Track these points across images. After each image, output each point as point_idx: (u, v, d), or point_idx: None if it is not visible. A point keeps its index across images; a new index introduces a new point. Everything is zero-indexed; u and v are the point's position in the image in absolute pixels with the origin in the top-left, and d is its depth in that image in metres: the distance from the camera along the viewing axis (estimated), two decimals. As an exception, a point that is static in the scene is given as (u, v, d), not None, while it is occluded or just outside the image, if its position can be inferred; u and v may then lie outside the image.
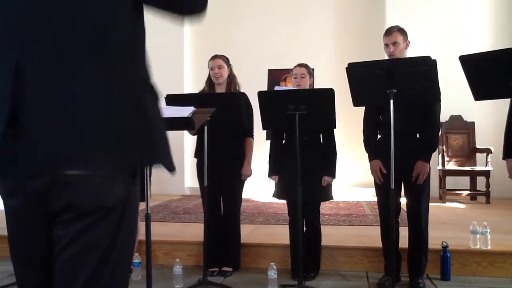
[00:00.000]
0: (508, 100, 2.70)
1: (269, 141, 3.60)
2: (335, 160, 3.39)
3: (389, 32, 3.15)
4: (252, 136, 3.57)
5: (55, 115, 1.02)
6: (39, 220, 1.11)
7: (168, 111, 2.51)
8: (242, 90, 3.59)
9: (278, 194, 3.48)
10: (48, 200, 1.08)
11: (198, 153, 3.51)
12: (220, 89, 3.56)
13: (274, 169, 3.47)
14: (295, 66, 3.49)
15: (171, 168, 1.21)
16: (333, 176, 3.36)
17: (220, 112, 3.04)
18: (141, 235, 2.91)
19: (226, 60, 3.57)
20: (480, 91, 2.46)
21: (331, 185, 3.40)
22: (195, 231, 3.93)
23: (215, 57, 3.57)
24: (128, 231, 1.16)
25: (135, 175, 1.16)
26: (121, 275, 1.17)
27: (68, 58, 1.04)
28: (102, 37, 1.07)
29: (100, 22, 1.07)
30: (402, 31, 3.16)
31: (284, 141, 3.50)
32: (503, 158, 2.81)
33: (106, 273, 1.11)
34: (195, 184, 3.64)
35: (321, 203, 3.52)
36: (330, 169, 3.35)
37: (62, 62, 1.03)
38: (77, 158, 1.04)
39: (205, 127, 3.18)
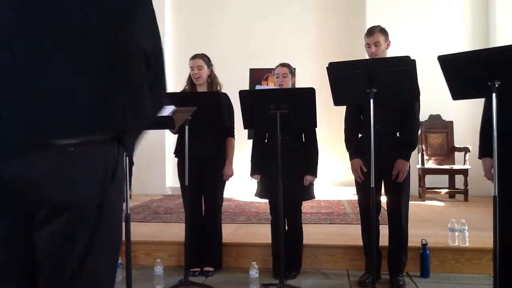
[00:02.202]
0: None
1: (251, 141, 3.59)
2: (317, 159, 3.40)
3: (371, 32, 3.17)
4: (233, 135, 3.57)
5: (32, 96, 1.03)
6: (18, 220, 1.09)
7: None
8: (223, 90, 3.57)
9: (260, 193, 3.48)
10: (25, 195, 1.06)
11: (179, 152, 3.48)
12: (201, 89, 3.54)
13: (256, 168, 3.47)
14: (277, 66, 3.49)
15: (130, 151, 1.23)
16: (315, 175, 3.38)
17: (201, 112, 3.03)
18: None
19: (206, 60, 3.55)
20: (458, 90, 2.50)
21: (313, 184, 3.42)
22: (176, 231, 3.91)
23: (195, 57, 3.55)
24: (108, 230, 1.15)
25: (114, 171, 1.14)
26: (105, 274, 1.17)
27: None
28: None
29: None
30: (383, 32, 3.19)
31: (266, 141, 3.50)
32: (479, 158, 2.87)
33: (88, 275, 1.10)
34: (177, 183, 3.62)
35: (303, 202, 3.53)
36: (312, 168, 3.37)
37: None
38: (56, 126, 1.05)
39: (186, 126, 3.16)
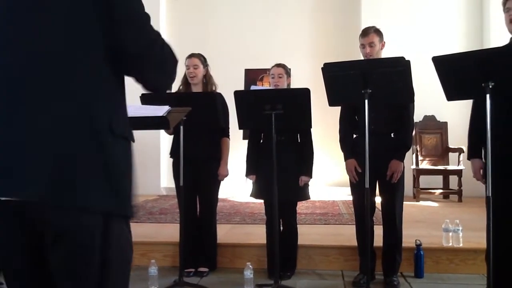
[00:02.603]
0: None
1: (246, 141, 3.59)
2: (312, 160, 3.40)
3: (366, 33, 3.18)
4: (228, 136, 3.56)
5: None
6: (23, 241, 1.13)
7: (143, 111, 2.48)
8: (218, 90, 3.57)
9: (255, 193, 3.48)
10: (30, 219, 1.09)
11: (174, 153, 3.48)
12: (196, 89, 3.54)
13: (252, 169, 3.47)
14: (273, 66, 3.49)
15: (129, 213, 1.25)
16: (310, 176, 3.38)
17: (196, 112, 3.02)
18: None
19: (202, 60, 3.55)
20: (453, 91, 2.50)
21: (308, 185, 3.42)
22: (171, 232, 3.90)
23: (191, 56, 3.54)
24: (119, 250, 1.18)
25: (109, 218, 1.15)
26: None
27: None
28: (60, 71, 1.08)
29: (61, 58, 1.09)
30: (378, 32, 3.19)
31: (261, 141, 3.50)
32: (468, 159, 2.88)
33: None
34: (171, 184, 3.61)
35: (298, 202, 3.53)
36: (307, 168, 3.37)
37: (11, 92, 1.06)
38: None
39: (181, 127, 3.16)
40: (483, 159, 2.75)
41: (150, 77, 1.26)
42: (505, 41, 2.68)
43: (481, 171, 2.74)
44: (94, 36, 1.11)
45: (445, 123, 6.53)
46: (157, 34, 1.25)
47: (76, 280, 1.11)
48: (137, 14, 1.19)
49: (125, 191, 1.17)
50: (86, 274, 1.11)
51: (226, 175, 3.52)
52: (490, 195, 2.32)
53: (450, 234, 3.56)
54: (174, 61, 1.30)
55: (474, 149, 2.80)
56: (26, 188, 1.03)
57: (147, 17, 1.21)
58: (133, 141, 1.24)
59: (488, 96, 2.29)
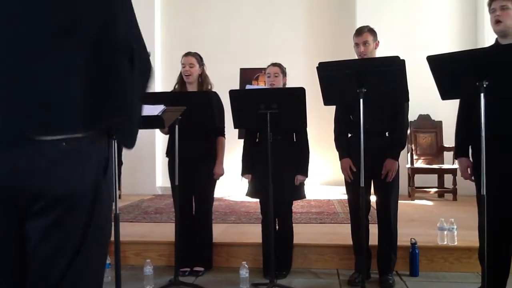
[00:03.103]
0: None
1: (241, 140, 3.59)
2: (308, 159, 3.41)
3: (360, 32, 3.19)
4: (223, 135, 3.56)
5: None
6: (10, 215, 1.09)
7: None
8: (214, 89, 3.57)
9: (251, 193, 3.48)
10: (17, 189, 1.07)
11: (170, 152, 3.47)
12: (192, 88, 3.53)
13: (247, 168, 3.47)
14: (269, 66, 3.49)
15: (129, 144, 1.23)
16: (306, 175, 3.38)
17: (191, 111, 3.02)
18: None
19: (199, 58, 3.54)
20: (447, 90, 2.51)
21: (303, 184, 3.43)
22: (166, 231, 3.89)
23: (187, 54, 3.54)
24: (100, 225, 1.16)
25: (105, 168, 1.16)
26: (94, 270, 1.18)
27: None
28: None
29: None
30: (372, 31, 3.20)
31: (257, 140, 3.50)
32: (455, 158, 2.90)
33: (78, 270, 1.11)
34: (167, 183, 3.61)
35: (294, 201, 3.53)
36: (302, 168, 3.37)
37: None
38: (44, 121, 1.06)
39: (176, 126, 3.15)
40: (471, 158, 2.78)
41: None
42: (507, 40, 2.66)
43: (469, 169, 2.76)
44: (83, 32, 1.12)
45: (440, 122, 6.55)
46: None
47: (57, 246, 1.10)
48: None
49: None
50: (63, 241, 1.11)
51: (222, 174, 3.52)
52: (484, 193, 2.33)
53: (445, 232, 3.58)
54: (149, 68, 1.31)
55: (461, 148, 2.83)
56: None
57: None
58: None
59: (482, 95, 2.30)
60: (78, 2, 1.10)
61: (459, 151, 2.84)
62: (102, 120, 1.15)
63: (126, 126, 1.23)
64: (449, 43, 6.49)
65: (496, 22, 2.55)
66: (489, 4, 2.62)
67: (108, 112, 1.16)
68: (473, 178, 2.77)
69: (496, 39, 2.67)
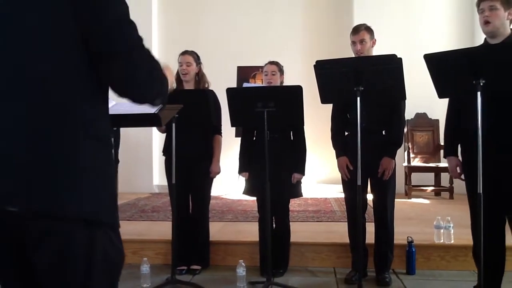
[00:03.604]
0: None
1: (238, 138, 3.59)
2: (305, 157, 3.41)
3: (356, 30, 3.19)
4: (220, 133, 3.56)
5: None
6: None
7: (135, 108, 2.46)
8: (211, 87, 3.56)
9: (248, 191, 3.48)
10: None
11: (167, 150, 3.47)
12: (188, 86, 3.53)
13: (244, 166, 3.47)
14: (266, 64, 3.49)
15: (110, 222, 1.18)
16: (303, 173, 3.39)
17: (188, 109, 3.01)
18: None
19: (195, 57, 3.54)
20: (444, 89, 2.51)
21: (300, 182, 3.43)
22: (163, 229, 3.89)
23: (184, 53, 3.53)
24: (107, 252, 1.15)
25: (97, 227, 1.13)
26: None
27: None
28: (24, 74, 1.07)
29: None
30: (369, 30, 3.20)
31: (254, 138, 3.50)
32: (444, 157, 2.91)
33: None
34: (164, 182, 3.60)
35: (290, 200, 3.53)
36: (300, 166, 3.38)
37: None
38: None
39: (173, 124, 3.15)
40: (459, 157, 2.80)
41: (132, 80, 1.17)
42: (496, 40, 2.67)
43: (458, 168, 2.78)
44: (72, 37, 1.09)
45: (437, 121, 6.57)
46: (139, 38, 1.20)
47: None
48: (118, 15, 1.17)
49: (105, 199, 1.15)
50: (68, 282, 1.10)
51: (218, 173, 3.52)
52: (481, 191, 2.34)
53: (442, 231, 3.59)
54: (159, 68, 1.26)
55: (450, 146, 2.85)
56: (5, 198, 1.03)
57: (128, 20, 1.19)
58: (110, 145, 1.21)
59: (479, 93, 2.30)
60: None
61: (448, 150, 2.86)
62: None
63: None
64: (447, 41, 6.48)
65: (485, 22, 2.56)
66: (478, 5, 2.62)
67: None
68: (462, 176, 2.79)
69: (485, 39, 2.67)
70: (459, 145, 2.83)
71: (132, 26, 1.17)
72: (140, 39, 1.18)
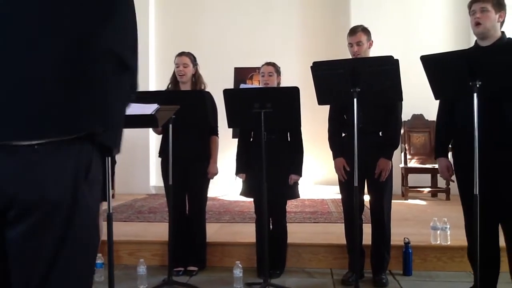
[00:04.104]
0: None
1: (235, 140, 3.59)
2: (302, 159, 3.41)
3: (353, 31, 3.19)
4: (217, 134, 3.55)
5: None
6: None
7: (132, 109, 2.45)
8: (208, 88, 3.56)
9: (245, 192, 3.48)
10: None
11: (163, 152, 3.46)
12: (185, 88, 3.53)
13: (241, 167, 3.47)
14: (263, 65, 3.49)
15: (113, 145, 1.18)
16: (300, 174, 3.39)
17: (185, 110, 3.01)
18: (103, 235, 2.85)
19: (192, 58, 3.54)
20: (440, 90, 2.52)
21: (297, 183, 3.43)
22: (160, 231, 3.88)
23: (181, 54, 3.53)
24: (82, 234, 1.11)
25: (87, 171, 1.11)
26: (77, 281, 1.13)
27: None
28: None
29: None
30: (366, 31, 3.20)
31: (251, 139, 3.50)
32: (435, 158, 2.92)
33: (57, 282, 1.08)
34: (161, 183, 3.59)
35: (287, 201, 3.53)
36: (297, 167, 3.38)
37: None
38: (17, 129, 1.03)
39: (170, 125, 3.14)
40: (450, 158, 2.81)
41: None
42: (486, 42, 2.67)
43: (448, 170, 2.79)
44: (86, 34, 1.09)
45: (434, 122, 6.47)
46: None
47: (29, 258, 1.07)
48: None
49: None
50: (40, 251, 1.07)
51: (216, 174, 3.52)
52: (477, 193, 2.34)
53: (438, 232, 3.59)
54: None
55: (441, 148, 2.86)
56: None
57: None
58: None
59: (475, 95, 2.31)
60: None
61: (439, 152, 2.87)
62: (80, 128, 1.10)
63: (108, 133, 1.18)
64: (443, 43, 6.51)
65: (476, 24, 2.57)
66: (469, 6, 2.64)
67: (87, 121, 1.11)
68: (453, 178, 2.80)
69: (476, 41, 2.68)
70: (450, 146, 2.85)
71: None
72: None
